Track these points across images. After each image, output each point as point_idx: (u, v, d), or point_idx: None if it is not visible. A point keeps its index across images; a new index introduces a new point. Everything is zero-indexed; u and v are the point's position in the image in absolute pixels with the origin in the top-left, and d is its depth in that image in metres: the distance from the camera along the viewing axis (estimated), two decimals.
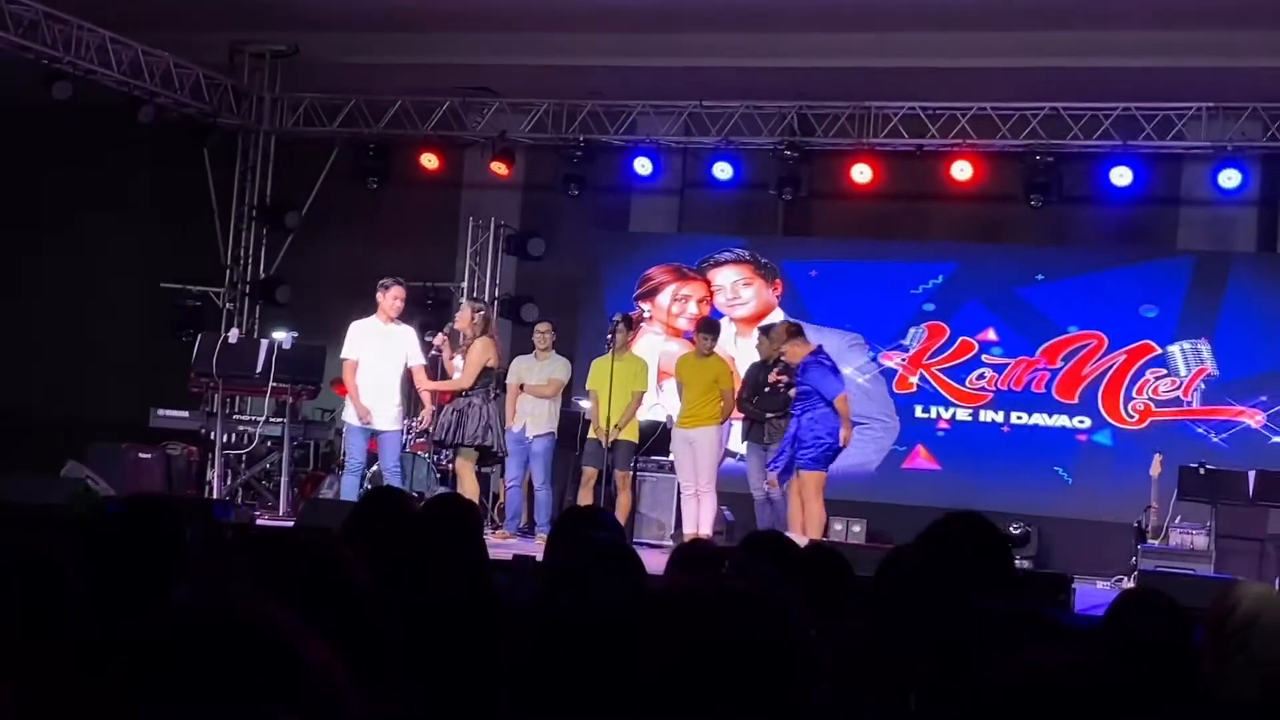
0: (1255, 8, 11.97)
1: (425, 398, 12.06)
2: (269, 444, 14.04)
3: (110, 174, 16.43)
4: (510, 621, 3.72)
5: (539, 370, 12.50)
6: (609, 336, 12.17)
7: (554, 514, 11.71)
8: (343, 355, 11.76)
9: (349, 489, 11.63)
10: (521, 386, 12.43)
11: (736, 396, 11.90)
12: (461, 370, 11.65)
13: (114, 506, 4.34)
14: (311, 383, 13.61)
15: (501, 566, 6.68)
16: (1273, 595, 3.68)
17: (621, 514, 11.96)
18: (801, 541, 10.33)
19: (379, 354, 11.69)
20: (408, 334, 11.91)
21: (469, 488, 11.37)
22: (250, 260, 15.82)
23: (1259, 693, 3.36)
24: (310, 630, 1.58)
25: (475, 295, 15.18)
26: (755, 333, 12.57)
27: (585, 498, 12.01)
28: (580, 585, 2.77)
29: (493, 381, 11.71)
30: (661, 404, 13.49)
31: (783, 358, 11.54)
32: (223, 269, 15.70)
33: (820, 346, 11.53)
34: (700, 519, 11.67)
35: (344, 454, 12.39)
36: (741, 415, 12.10)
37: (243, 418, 14.25)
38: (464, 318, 11.73)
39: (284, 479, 13.21)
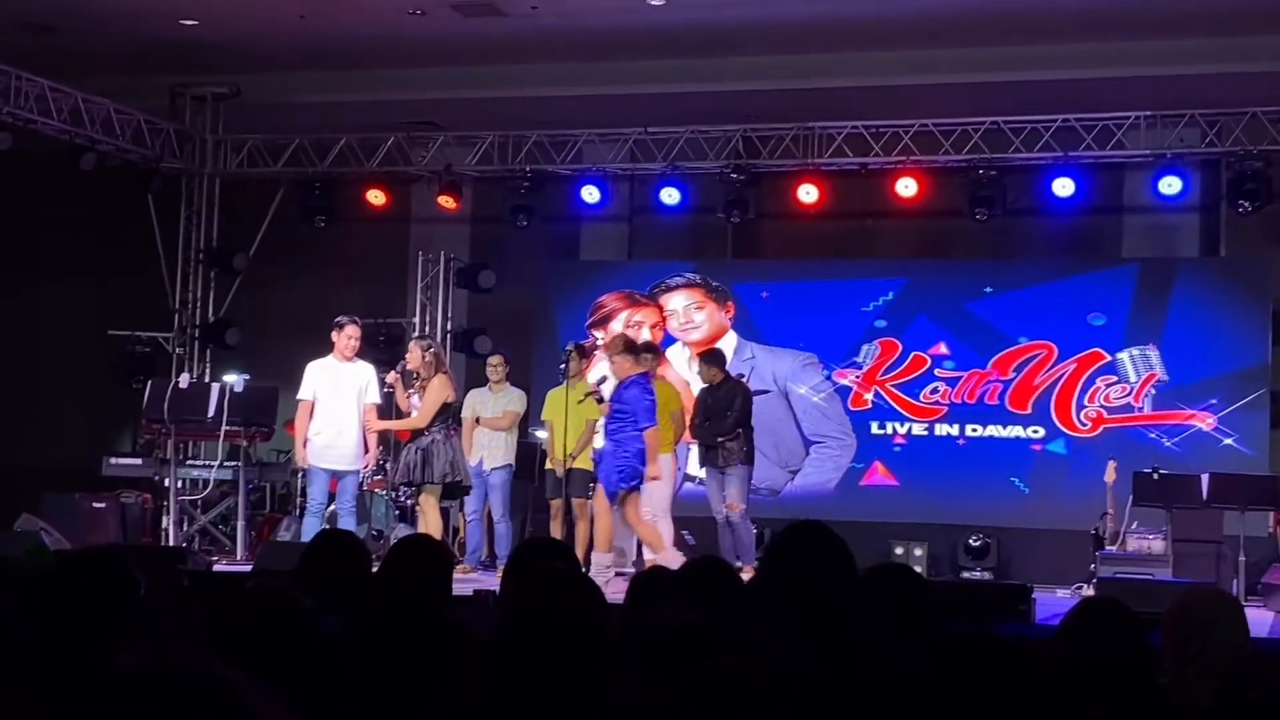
0: (1190, 15, 12.12)
1: (372, 439, 11.92)
2: (224, 488, 13.96)
3: (55, 222, 16.32)
4: (472, 656, 3.72)
5: (494, 403, 12.48)
6: (562, 366, 12.15)
7: (515, 545, 11.64)
8: (299, 396, 11.66)
9: (310, 530, 11.50)
10: (477, 420, 12.41)
11: (690, 423, 11.89)
12: (419, 409, 11.54)
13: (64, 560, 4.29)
14: (265, 425, 13.55)
15: (463, 601, 6.65)
16: (1226, 599, 3.72)
17: (581, 543, 11.92)
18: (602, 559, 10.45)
19: (338, 393, 11.55)
20: (366, 371, 11.80)
21: (433, 525, 11.28)
22: (199, 304, 15.73)
23: (1215, 697, 3.39)
24: (264, 685, 1.57)
25: (427, 330, 15.16)
26: (696, 360, 12.60)
27: (555, 529, 11.98)
28: (540, 618, 2.77)
29: (450, 417, 11.66)
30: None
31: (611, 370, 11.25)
32: (171, 314, 15.60)
33: (647, 374, 11.11)
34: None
35: (303, 495, 12.30)
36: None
37: (196, 463, 14.15)
38: (414, 357, 11.58)
39: (240, 523, 13.12)
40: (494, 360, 12.78)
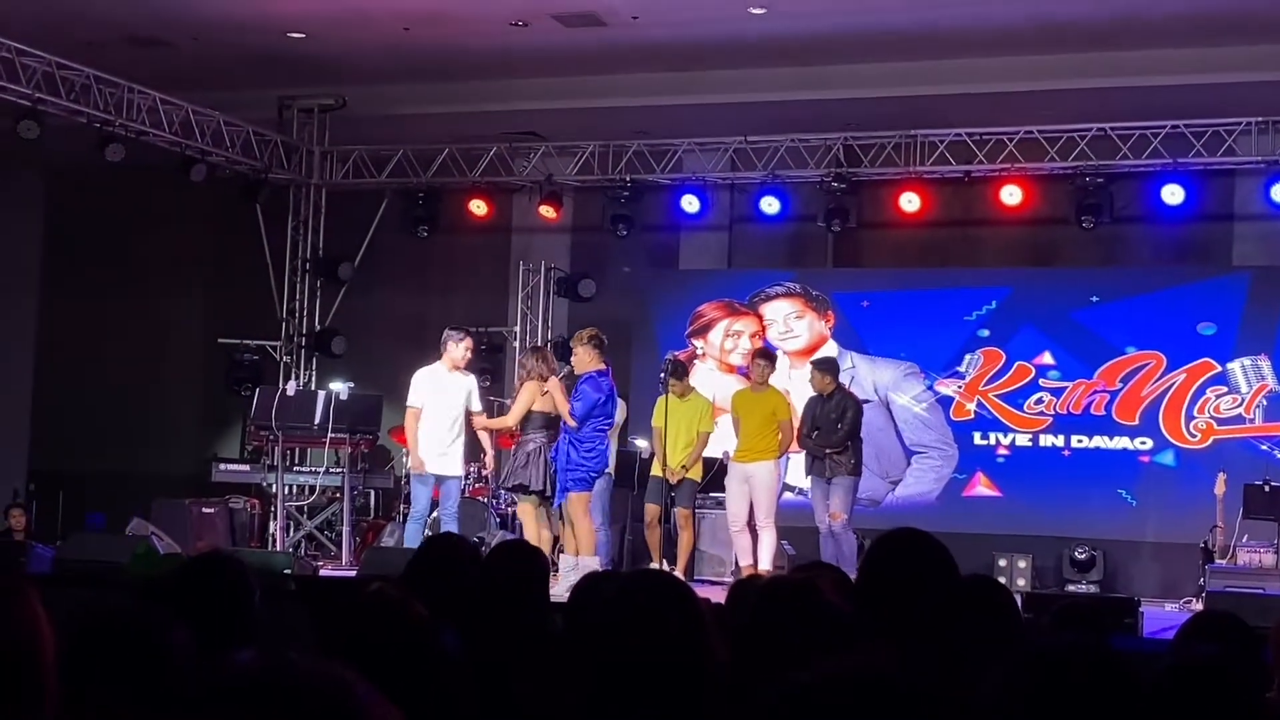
0: None
1: (485, 440, 12.03)
2: (330, 494, 14.15)
3: (166, 233, 16.65)
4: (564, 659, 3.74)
5: None
6: (661, 375, 12.17)
7: (613, 553, 11.67)
8: (409, 403, 11.74)
9: (412, 536, 11.60)
10: None
11: (796, 432, 11.86)
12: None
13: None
14: (370, 432, 13.71)
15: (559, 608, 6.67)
16: None
17: (683, 552, 11.99)
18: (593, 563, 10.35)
19: (444, 400, 11.65)
20: (469, 380, 11.90)
21: (530, 533, 11.31)
22: (305, 313, 15.95)
23: None
24: (380, 691, 1.58)
25: (528, 340, 15.33)
26: (808, 366, 12.52)
27: (652, 536, 12.01)
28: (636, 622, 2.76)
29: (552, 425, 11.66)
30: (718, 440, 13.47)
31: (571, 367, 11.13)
32: (278, 323, 15.84)
33: (606, 368, 10.88)
34: (760, 554, 11.63)
35: (406, 501, 12.42)
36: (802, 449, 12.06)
37: (303, 469, 14.36)
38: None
39: (345, 529, 13.29)
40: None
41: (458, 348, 11.62)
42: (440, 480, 11.64)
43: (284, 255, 15.81)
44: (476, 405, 11.82)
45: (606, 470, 11.05)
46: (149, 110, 13.45)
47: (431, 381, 11.66)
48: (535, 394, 11.27)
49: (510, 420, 11.44)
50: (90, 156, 13.10)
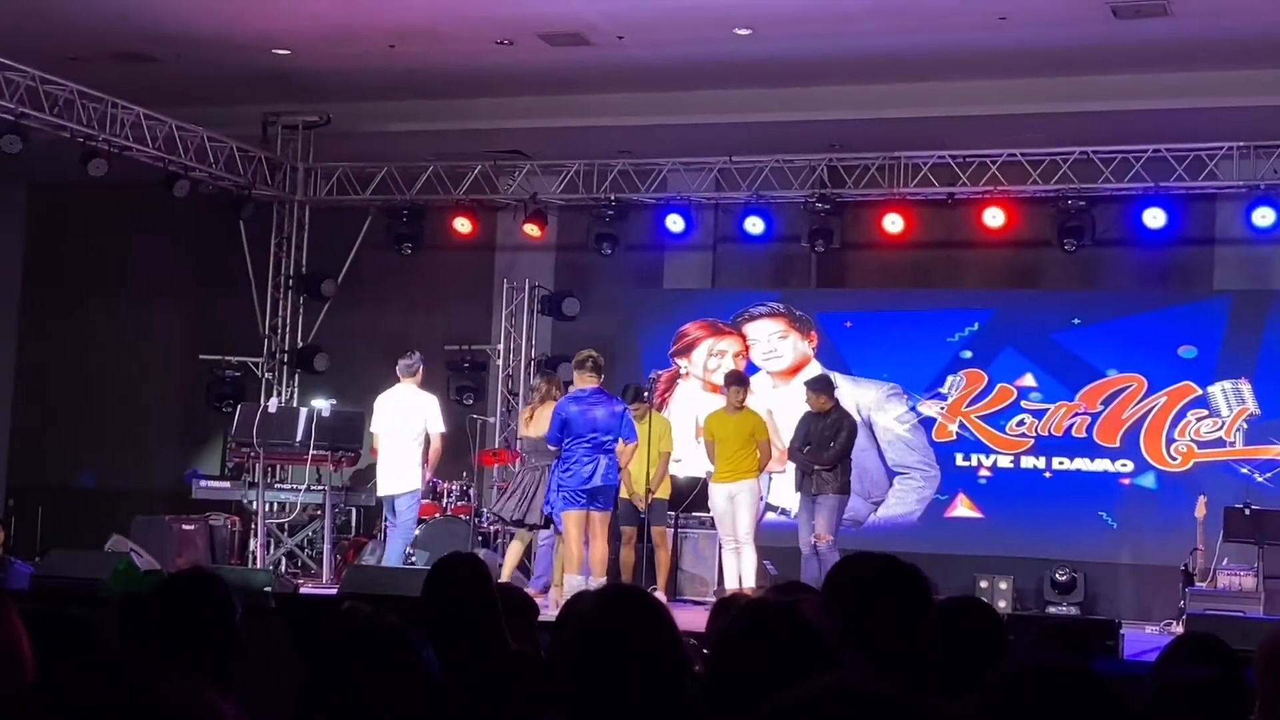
0: None
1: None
2: (310, 511, 14.11)
3: (148, 248, 16.62)
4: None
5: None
6: (645, 395, 12.20)
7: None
8: (441, 430, 12.03)
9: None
10: None
11: (789, 447, 11.90)
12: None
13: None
14: (351, 449, 13.70)
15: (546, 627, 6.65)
16: None
17: (662, 569, 12.02)
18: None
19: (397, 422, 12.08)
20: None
21: (510, 564, 11.63)
22: (287, 329, 15.92)
23: None
24: (359, 705, 1.58)
25: (513, 358, 15.37)
26: (794, 384, 12.57)
27: (627, 556, 12.03)
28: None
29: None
30: (697, 460, 13.47)
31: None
32: (261, 339, 15.79)
33: (588, 389, 11.00)
34: (741, 572, 11.63)
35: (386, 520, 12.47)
36: (780, 469, 12.10)
37: (284, 486, 14.32)
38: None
39: (326, 546, 13.26)
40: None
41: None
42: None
43: (267, 271, 15.78)
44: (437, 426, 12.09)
45: (587, 488, 10.98)
46: (133, 125, 13.43)
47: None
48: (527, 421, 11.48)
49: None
50: (73, 171, 13.07)
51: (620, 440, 10.96)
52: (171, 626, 3.33)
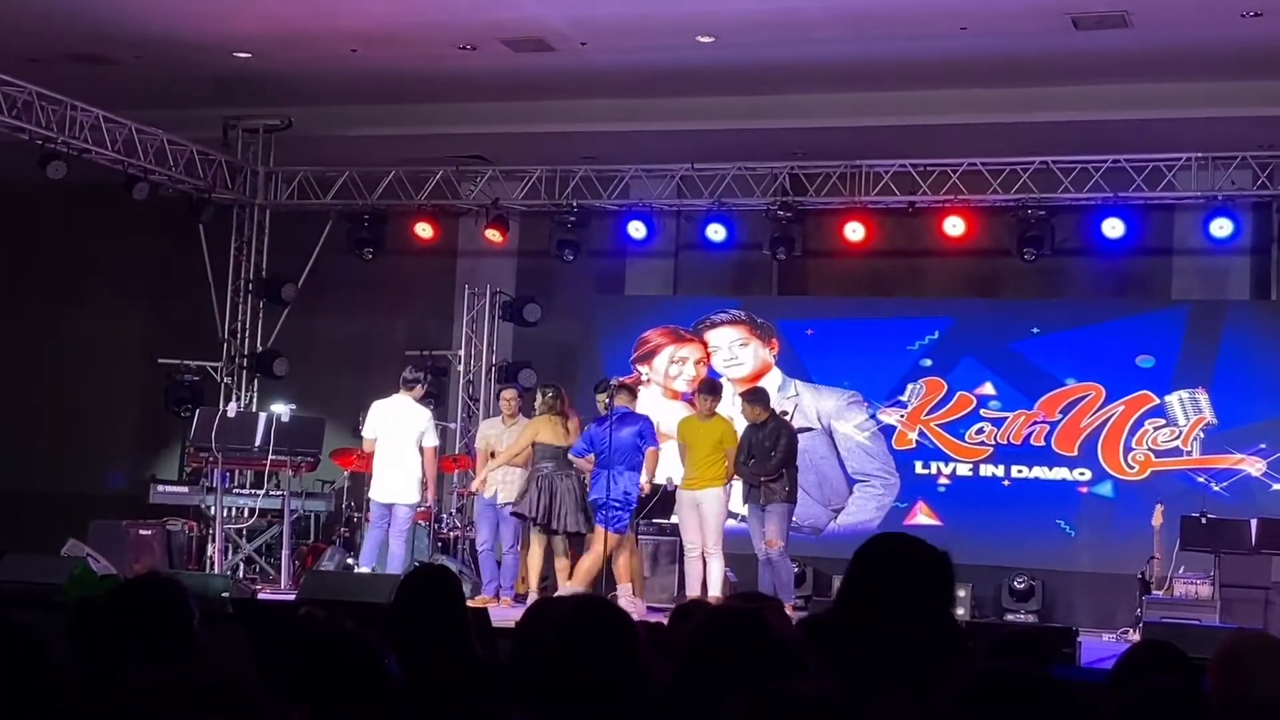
0: (1243, 58, 12.07)
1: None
2: (269, 517, 14.04)
3: (107, 251, 16.52)
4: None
5: (508, 437, 12.46)
6: (607, 399, 12.20)
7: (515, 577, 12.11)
8: (434, 444, 12.37)
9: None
10: (492, 453, 12.45)
11: (735, 461, 11.89)
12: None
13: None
14: (311, 454, 13.64)
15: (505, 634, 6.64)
16: (1275, 643, 3.67)
17: (627, 574, 11.98)
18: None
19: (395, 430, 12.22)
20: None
21: (533, 560, 11.93)
22: (247, 333, 15.83)
23: None
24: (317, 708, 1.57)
25: (471, 364, 15.35)
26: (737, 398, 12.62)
27: (594, 562, 12.04)
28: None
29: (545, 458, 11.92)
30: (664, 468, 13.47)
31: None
32: (220, 343, 15.71)
33: (610, 413, 11.67)
34: (709, 581, 11.62)
35: (346, 525, 12.49)
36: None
37: (242, 492, 14.25)
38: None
39: (285, 552, 13.20)
40: (507, 394, 12.89)
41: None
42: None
43: (226, 275, 15.69)
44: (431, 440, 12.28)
45: (595, 500, 11.54)
46: (92, 128, 13.34)
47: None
48: (539, 427, 11.60)
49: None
50: (32, 174, 12.97)
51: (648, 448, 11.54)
52: (127, 632, 3.30)
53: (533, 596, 11.47)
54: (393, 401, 12.23)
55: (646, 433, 11.57)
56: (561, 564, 11.79)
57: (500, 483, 12.34)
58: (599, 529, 11.50)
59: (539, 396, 12.30)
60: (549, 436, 11.81)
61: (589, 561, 11.48)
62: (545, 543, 11.84)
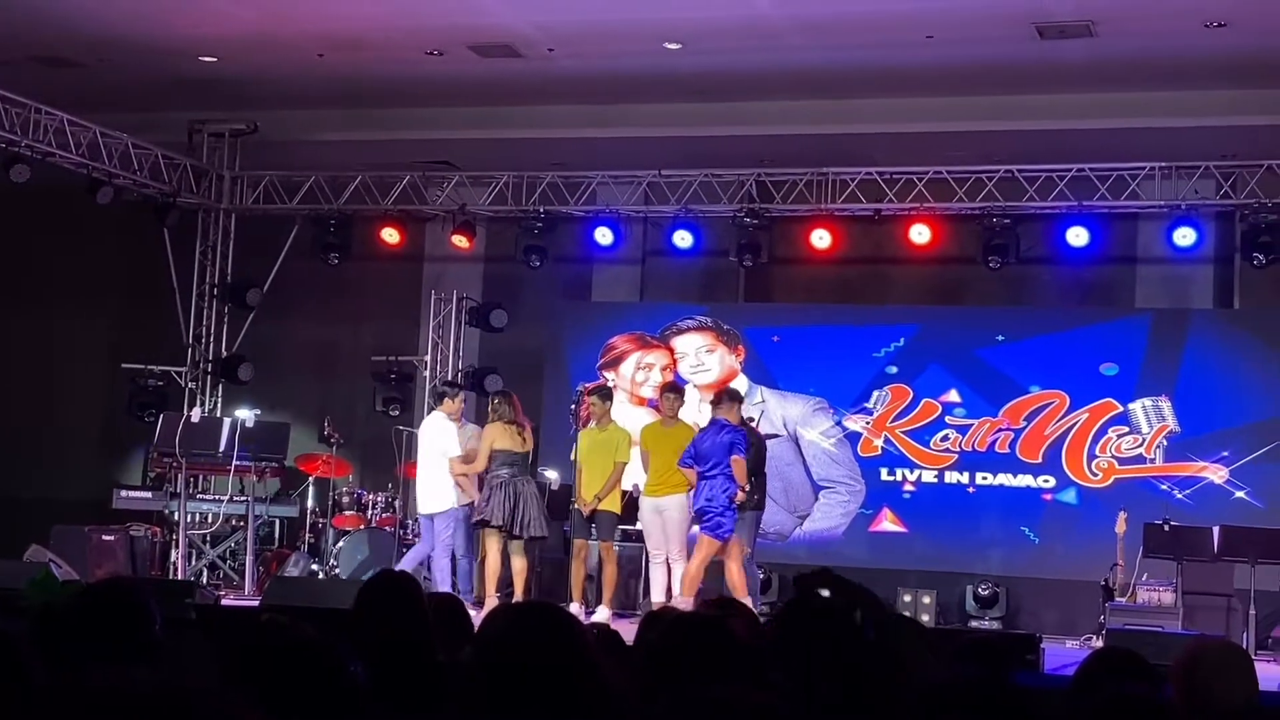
0: (1206, 68, 12.16)
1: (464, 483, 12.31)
2: (233, 523, 13.98)
3: (71, 255, 16.41)
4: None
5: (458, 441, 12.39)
6: (572, 408, 12.19)
7: (472, 583, 12.02)
8: (453, 453, 12.19)
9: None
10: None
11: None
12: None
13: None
14: (276, 460, 13.59)
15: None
16: (1235, 651, 3.70)
17: (609, 586, 11.96)
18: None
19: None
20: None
21: (490, 565, 11.79)
22: (212, 338, 15.77)
23: None
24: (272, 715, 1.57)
25: (438, 369, 15.31)
26: (706, 405, 12.64)
27: (577, 569, 11.99)
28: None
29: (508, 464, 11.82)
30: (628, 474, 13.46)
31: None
32: (184, 348, 15.63)
33: (713, 421, 11.68)
34: (674, 587, 11.62)
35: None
36: None
37: (206, 497, 14.18)
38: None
39: (249, 558, 13.14)
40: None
41: (454, 402, 12.32)
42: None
43: (191, 280, 15.63)
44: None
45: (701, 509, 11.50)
46: (56, 131, 13.26)
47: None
48: (495, 434, 11.57)
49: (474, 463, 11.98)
50: None
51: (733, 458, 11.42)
52: (89, 637, 3.28)
53: (491, 603, 11.44)
54: (428, 418, 12.47)
55: (738, 442, 11.53)
56: (519, 566, 11.68)
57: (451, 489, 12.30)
58: (703, 537, 11.51)
59: (490, 405, 12.22)
60: (506, 443, 11.74)
61: (694, 568, 11.50)
62: (502, 548, 11.75)
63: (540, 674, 2.70)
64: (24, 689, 2.47)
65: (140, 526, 13.78)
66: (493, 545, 11.77)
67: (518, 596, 11.47)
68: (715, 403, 11.93)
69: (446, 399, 12.35)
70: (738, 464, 11.30)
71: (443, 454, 12.02)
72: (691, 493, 11.77)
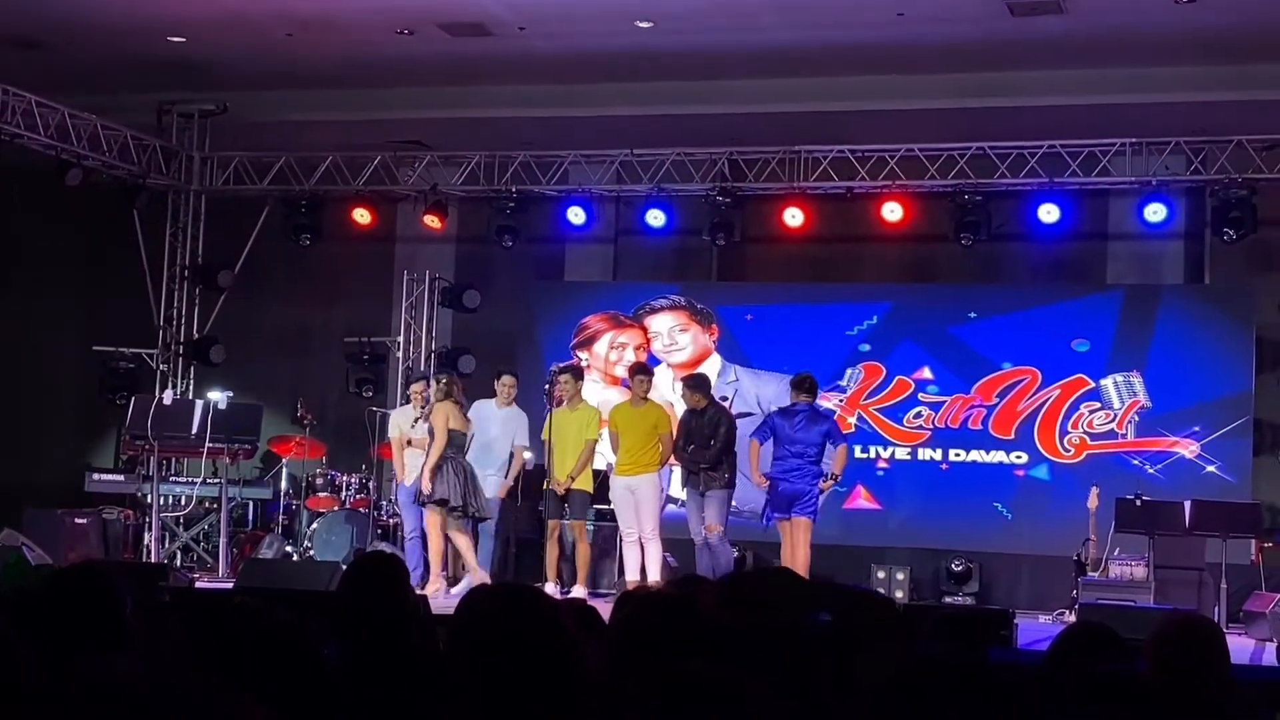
0: (1176, 43, 12.19)
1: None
2: (206, 505, 13.94)
3: (40, 238, 16.29)
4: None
5: (421, 426, 12.33)
6: (546, 387, 12.17)
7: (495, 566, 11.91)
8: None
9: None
10: (408, 441, 12.35)
11: (675, 446, 11.91)
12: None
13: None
14: (248, 442, 13.55)
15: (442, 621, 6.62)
16: (1207, 625, 3.73)
17: (582, 565, 11.98)
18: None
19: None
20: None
21: (432, 543, 11.72)
22: (183, 320, 15.69)
23: None
24: (254, 701, 1.56)
25: (410, 350, 15.28)
26: (679, 384, 12.65)
27: (552, 549, 12.00)
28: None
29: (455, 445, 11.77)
30: (601, 453, 13.46)
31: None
32: (155, 330, 15.56)
33: (790, 405, 12.06)
34: (648, 566, 11.65)
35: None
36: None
37: (179, 480, 14.13)
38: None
39: (223, 540, 13.11)
40: (416, 387, 12.75)
41: (499, 385, 12.45)
42: None
43: (162, 262, 15.55)
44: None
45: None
46: (24, 113, 13.16)
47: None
48: (448, 413, 11.45)
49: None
50: None
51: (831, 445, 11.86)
52: (61, 621, 3.27)
53: (438, 582, 11.47)
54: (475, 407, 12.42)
55: (834, 432, 12.01)
56: (464, 543, 11.61)
57: (417, 469, 12.26)
58: (800, 519, 11.57)
59: (433, 385, 12.08)
60: (457, 423, 11.66)
61: (803, 555, 11.56)
62: (443, 526, 11.66)
63: (519, 657, 2.71)
64: (16, 684, 2.46)
65: (113, 510, 13.74)
66: (435, 524, 11.64)
67: (471, 569, 11.47)
68: (693, 388, 11.96)
69: (502, 388, 12.44)
70: (844, 452, 12.00)
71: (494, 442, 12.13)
72: (662, 471, 11.82)
